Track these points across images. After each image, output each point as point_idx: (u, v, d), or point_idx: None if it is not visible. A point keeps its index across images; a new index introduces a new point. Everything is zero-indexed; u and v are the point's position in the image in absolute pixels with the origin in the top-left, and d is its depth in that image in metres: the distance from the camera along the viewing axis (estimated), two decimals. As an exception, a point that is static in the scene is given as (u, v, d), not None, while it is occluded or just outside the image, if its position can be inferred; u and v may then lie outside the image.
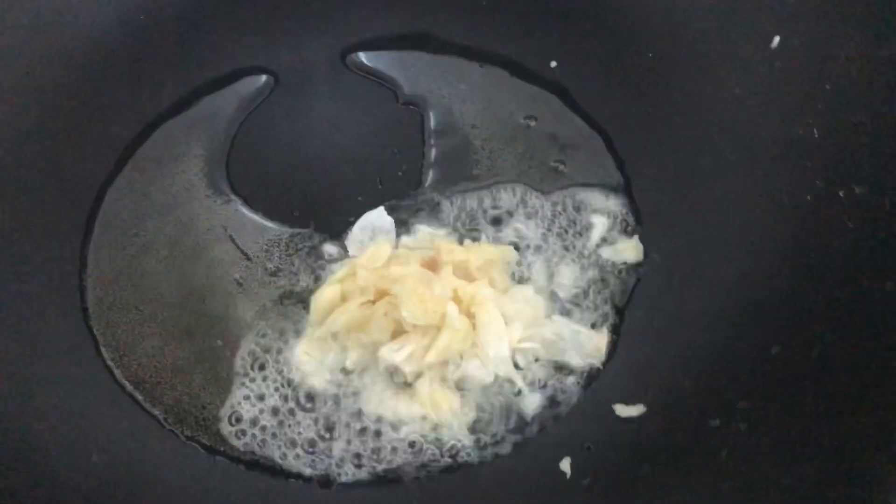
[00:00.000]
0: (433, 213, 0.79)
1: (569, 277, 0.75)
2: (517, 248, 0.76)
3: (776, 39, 0.77)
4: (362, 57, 0.89)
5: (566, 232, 0.78)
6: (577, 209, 0.79)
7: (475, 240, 0.76)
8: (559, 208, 0.79)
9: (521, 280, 0.74)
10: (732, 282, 0.71)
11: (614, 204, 0.79)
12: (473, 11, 0.91)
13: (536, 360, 0.70)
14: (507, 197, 0.80)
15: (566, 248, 0.77)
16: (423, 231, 0.76)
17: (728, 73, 0.80)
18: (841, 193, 0.68)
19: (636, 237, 0.78)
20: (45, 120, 0.82)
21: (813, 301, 0.64)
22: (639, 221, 0.79)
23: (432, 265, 0.69)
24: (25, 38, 0.83)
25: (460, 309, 0.68)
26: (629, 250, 0.77)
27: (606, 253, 0.77)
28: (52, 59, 0.84)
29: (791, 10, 0.76)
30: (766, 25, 0.78)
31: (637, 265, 0.77)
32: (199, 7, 0.90)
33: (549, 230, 0.78)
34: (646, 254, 0.76)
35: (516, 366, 0.69)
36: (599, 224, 0.78)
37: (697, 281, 0.73)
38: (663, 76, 0.84)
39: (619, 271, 0.76)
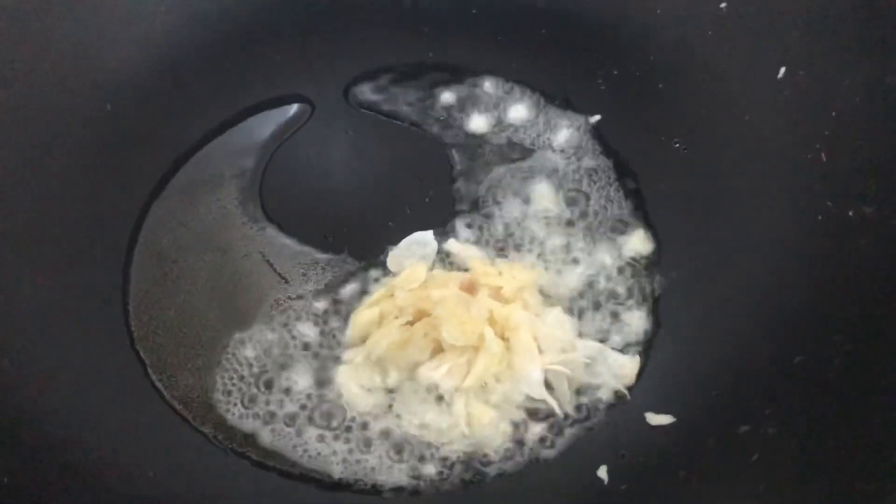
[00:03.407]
0: (462, 233, 0.83)
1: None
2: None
3: (782, 70, 0.81)
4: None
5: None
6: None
7: (503, 255, 0.81)
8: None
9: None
10: (752, 298, 0.75)
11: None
12: (486, 40, 0.96)
13: (568, 382, 0.73)
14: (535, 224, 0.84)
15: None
16: (456, 248, 0.80)
17: (738, 101, 0.84)
18: (850, 213, 0.72)
19: (641, 230, 0.83)
20: (82, 151, 0.86)
21: (831, 315, 0.68)
22: (657, 242, 0.83)
23: (470, 288, 0.73)
24: (64, 69, 0.86)
25: (495, 331, 0.71)
26: (638, 242, 0.82)
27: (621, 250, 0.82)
28: (89, 89, 0.87)
29: (795, 42, 0.81)
30: (771, 57, 0.82)
31: (652, 258, 0.81)
32: (234, 36, 0.94)
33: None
34: (668, 277, 0.80)
35: (549, 386, 0.72)
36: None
37: (718, 298, 0.77)
38: (675, 105, 0.88)
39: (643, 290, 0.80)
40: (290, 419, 0.73)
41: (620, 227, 0.84)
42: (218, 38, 0.94)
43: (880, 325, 0.65)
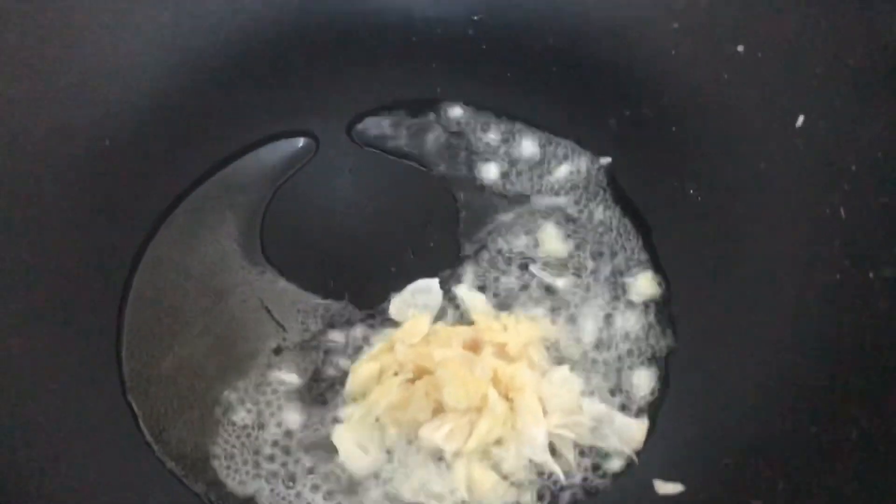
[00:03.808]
0: (468, 280, 0.81)
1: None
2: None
3: (801, 119, 0.79)
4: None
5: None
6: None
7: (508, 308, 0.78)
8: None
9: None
10: (767, 361, 0.72)
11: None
12: (496, 78, 0.94)
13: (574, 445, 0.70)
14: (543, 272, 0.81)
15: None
16: (465, 294, 0.78)
17: (754, 149, 0.82)
18: (871, 275, 0.70)
19: (649, 272, 0.81)
20: (78, 187, 0.83)
21: (849, 384, 0.66)
22: (670, 298, 0.80)
23: (474, 346, 0.70)
24: (65, 103, 0.84)
25: (499, 390, 0.69)
26: (645, 285, 0.80)
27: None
28: (89, 124, 0.85)
29: (815, 90, 0.78)
30: (790, 104, 0.80)
31: (663, 315, 0.79)
32: (236, 72, 0.92)
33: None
34: (678, 334, 0.77)
35: (553, 449, 0.69)
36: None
37: (729, 359, 0.74)
38: (688, 150, 0.86)
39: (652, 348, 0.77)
40: (290, 479, 0.71)
41: (630, 277, 0.81)
42: (221, 73, 0.92)
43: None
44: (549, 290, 0.80)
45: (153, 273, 0.82)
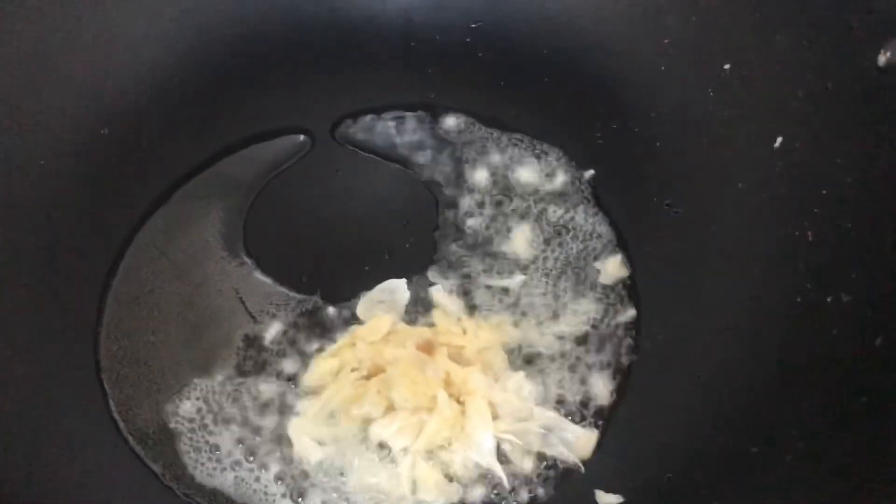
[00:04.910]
0: (438, 283, 0.82)
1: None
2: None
3: (779, 140, 0.79)
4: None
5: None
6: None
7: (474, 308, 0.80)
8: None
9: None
10: (720, 378, 0.72)
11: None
12: (489, 85, 0.95)
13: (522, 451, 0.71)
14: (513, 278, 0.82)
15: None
16: (439, 296, 0.80)
17: (733, 167, 0.82)
18: (829, 300, 0.69)
19: (619, 255, 0.82)
20: (73, 173, 0.86)
21: (793, 406, 0.66)
22: (637, 306, 0.81)
23: (427, 348, 0.72)
24: (64, 92, 0.87)
25: (451, 393, 0.70)
26: (614, 267, 0.81)
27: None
28: (88, 113, 0.88)
29: (795, 112, 0.78)
30: (771, 124, 0.80)
31: (628, 325, 0.80)
32: (234, 68, 0.94)
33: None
34: (641, 347, 0.78)
35: (501, 454, 0.71)
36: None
37: (687, 374, 0.75)
38: (671, 165, 0.86)
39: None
40: (240, 464, 0.73)
41: (598, 288, 0.82)
42: (220, 69, 0.94)
43: (837, 424, 0.62)
44: (517, 297, 0.81)
45: (138, 259, 0.84)
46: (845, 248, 0.71)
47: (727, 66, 0.84)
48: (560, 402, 0.75)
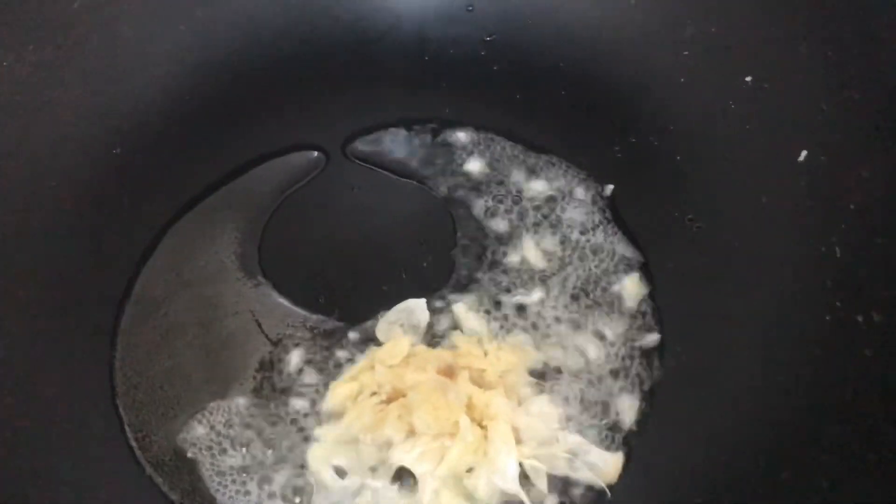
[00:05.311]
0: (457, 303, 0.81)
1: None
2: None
3: (804, 153, 0.77)
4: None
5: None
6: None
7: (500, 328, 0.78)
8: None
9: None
10: (748, 401, 0.71)
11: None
12: (505, 99, 0.94)
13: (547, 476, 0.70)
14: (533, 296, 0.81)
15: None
16: (462, 313, 0.79)
17: (756, 181, 0.81)
18: (859, 318, 0.68)
19: (637, 273, 0.81)
20: (87, 192, 0.85)
21: (825, 431, 0.64)
22: (661, 330, 0.79)
23: (448, 372, 0.70)
24: (79, 111, 0.86)
25: (474, 417, 0.69)
26: (633, 284, 0.80)
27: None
28: (101, 132, 0.87)
29: (819, 124, 0.77)
30: (795, 137, 0.78)
31: (653, 345, 0.78)
32: (247, 86, 0.94)
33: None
34: (665, 367, 0.77)
35: (526, 478, 0.69)
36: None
37: (714, 395, 0.73)
38: (691, 179, 0.85)
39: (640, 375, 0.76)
40: (256, 491, 0.72)
41: (620, 306, 0.80)
42: (232, 87, 0.93)
43: (873, 450, 0.60)
44: (539, 318, 0.80)
45: (153, 280, 0.83)
46: (875, 265, 0.69)
47: (749, 79, 0.82)
48: (583, 426, 0.74)
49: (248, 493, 0.72)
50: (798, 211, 0.77)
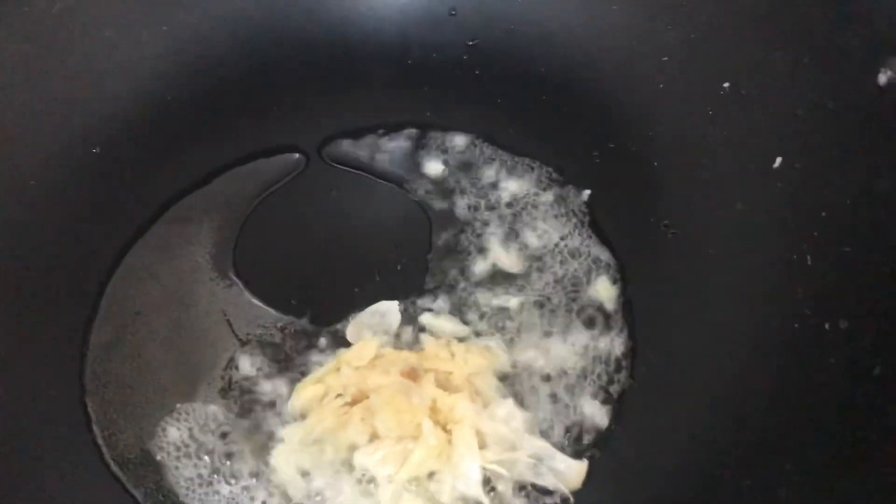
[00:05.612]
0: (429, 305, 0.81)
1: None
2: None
3: (778, 160, 0.77)
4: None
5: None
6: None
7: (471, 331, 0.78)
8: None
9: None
10: (713, 407, 0.70)
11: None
12: (486, 103, 0.94)
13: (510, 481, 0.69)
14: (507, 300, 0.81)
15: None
16: (428, 322, 0.78)
17: (731, 187, 0.80)
18: (827, 326, 0.67)
19: (607, 276, 0.81)
20: (65, 192, 0.85)
21: (786, 439, 0.64)
22: (632, 335, 0.79)
23: (413, 375, 0.70)
24: (58, 110, 0.86)
25: (438, 420, 0.68)
26: (604, 288, 0.80)
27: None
28: (80, 132, 0.87)
29: (794, 131, 0.76)
30: (770, 144, 0.78)
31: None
32: (226, 87, 0.94)
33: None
34: (634, 372, 0.76)
35: (489, 484, 0.69)
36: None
37: (681, 403, 0.73)
38: (668, 185, 0.85)
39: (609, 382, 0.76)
40: (222, 490, 0.72)
41: (593, 311, 0.80)
42: (213, 88, 0.93)
43: (833, 458, 0.60)
44: (510, 320, 0.79)
45: (127, 280, 0.83)
46: (844, 273, 0.69)
47: (726, 85, 0.82)
48: (550, 431, 0.73)
49: (217, 492, 0.72)
50: (772, 218, 0.76)
